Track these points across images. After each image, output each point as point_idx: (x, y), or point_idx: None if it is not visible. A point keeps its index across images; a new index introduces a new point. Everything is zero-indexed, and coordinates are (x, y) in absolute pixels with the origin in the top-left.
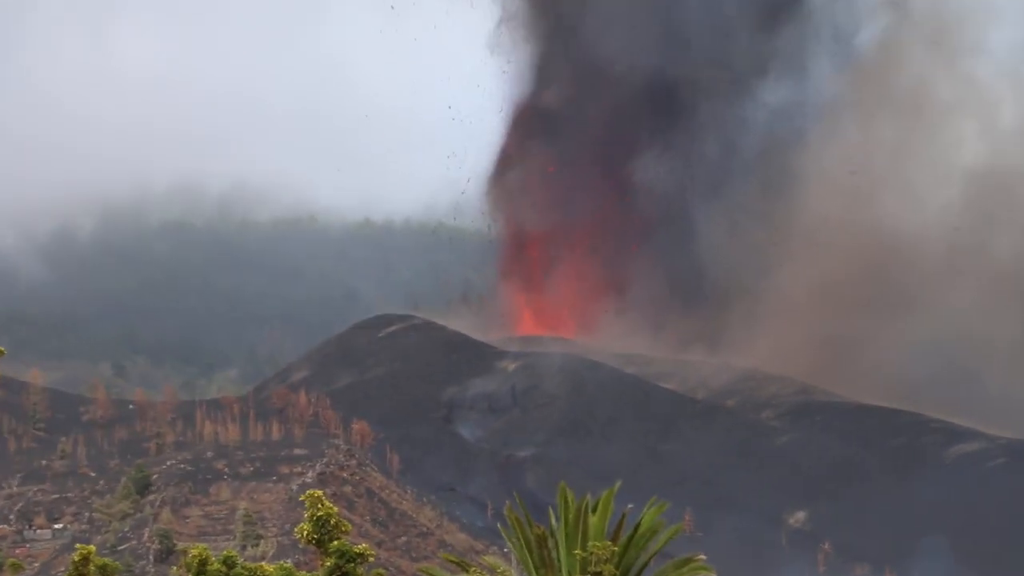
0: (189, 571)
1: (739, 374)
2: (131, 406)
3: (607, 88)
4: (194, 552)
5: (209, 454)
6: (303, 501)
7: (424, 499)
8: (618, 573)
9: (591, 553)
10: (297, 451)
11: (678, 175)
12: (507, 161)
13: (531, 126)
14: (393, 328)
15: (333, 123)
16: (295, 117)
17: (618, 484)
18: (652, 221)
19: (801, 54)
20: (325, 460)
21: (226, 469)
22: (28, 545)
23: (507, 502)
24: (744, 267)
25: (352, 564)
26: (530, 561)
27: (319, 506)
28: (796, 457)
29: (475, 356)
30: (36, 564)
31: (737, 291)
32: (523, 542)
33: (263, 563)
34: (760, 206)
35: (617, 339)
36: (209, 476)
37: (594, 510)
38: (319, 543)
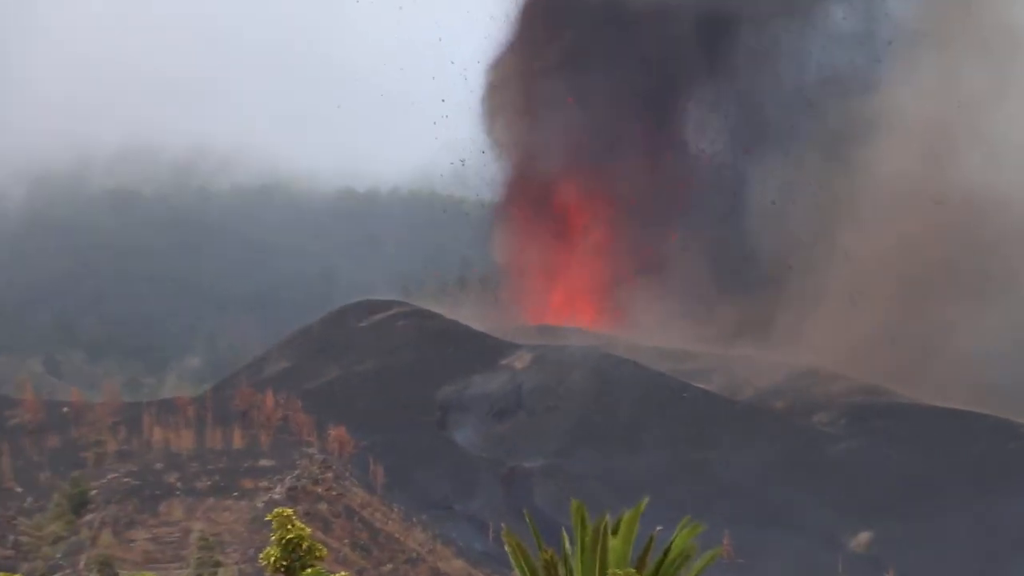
0: None
1: (790, 371)
2: (65, 409)
3: (641, 22)
4: None
5: (158, 466)
6: (270, 521)
7: (414, 519)
8: None
9: None
10: (263, 462)
11: (727, 125)
12: (516, 91)
13: (546, 58)
14: (378, 316)
15: (309, 79)
16: (265, 72)
17: (645, 501)
18: (694, 185)
19: None
20: (296, 473)
21: (178, 483)
22: None
23: (503, 525)
24: (800, 241)
25: None
26: None
27: (289, 527)
28: (857, 468)
29: (475, 349)
30: None
31: (791, 271)
32: (528, 570)
33: None
34: (820, 162)
35: (647, 330)
36: (158, 492)
37: (615, 532)
38: (289, 571)
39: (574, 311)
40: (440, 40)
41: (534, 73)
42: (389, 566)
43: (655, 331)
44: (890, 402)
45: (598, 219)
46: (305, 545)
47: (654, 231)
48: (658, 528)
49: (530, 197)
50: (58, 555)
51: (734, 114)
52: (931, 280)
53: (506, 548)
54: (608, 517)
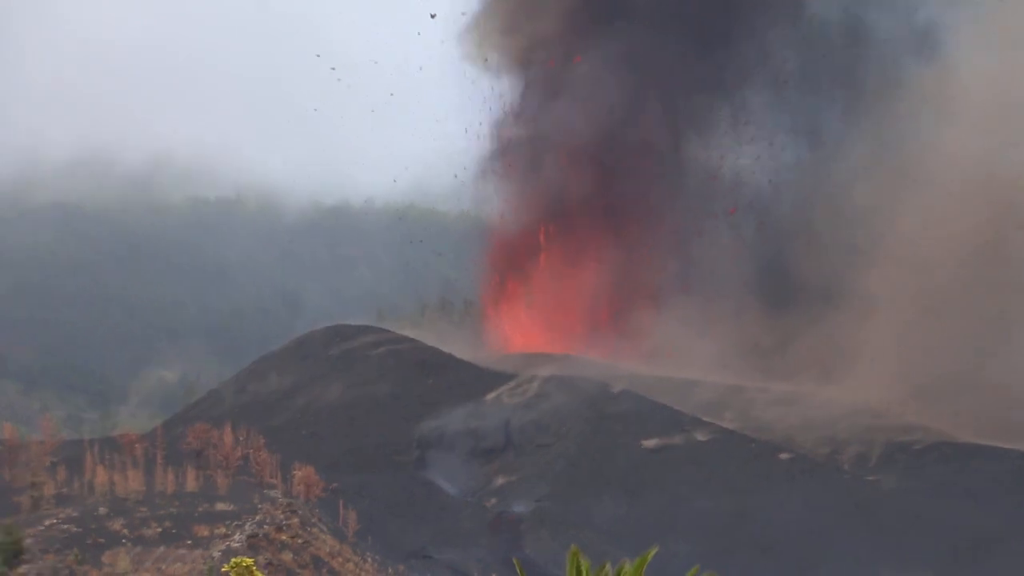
0: None
1: (828, 407)
2: None
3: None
4: None
5: (102, 511)
6: (228, 572)
7: (389, 569)
8: None
9: None
10: (220, 506)
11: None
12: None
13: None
14: (350, 343)
15: (276, 85)
16: (231, 79)
17: (653, 551)
18: (719, 182)
19: None
20: (258, 518)
21: (125, 531)
22: None
23: None
24: (843, 247)
25: None
26: None
27: None
28: (911, 521)
29: (458, 380)
30: None
31: (830, 284)
32: None
33: None
34: (867, 148)
35: (653, 358)
36: (103, 540)
37: None
38: None
39: (570, 337)
40: (420, 35)
41: (536, 66)
42: None
43: (662, 359)
44: (939, 442)
45: (601, 233)
46: None
47: (667, 245)
48: None
49: (524, 209)
50: None
51: (763, 90)
52: (999, 297)
53: None
54: (608, 568)
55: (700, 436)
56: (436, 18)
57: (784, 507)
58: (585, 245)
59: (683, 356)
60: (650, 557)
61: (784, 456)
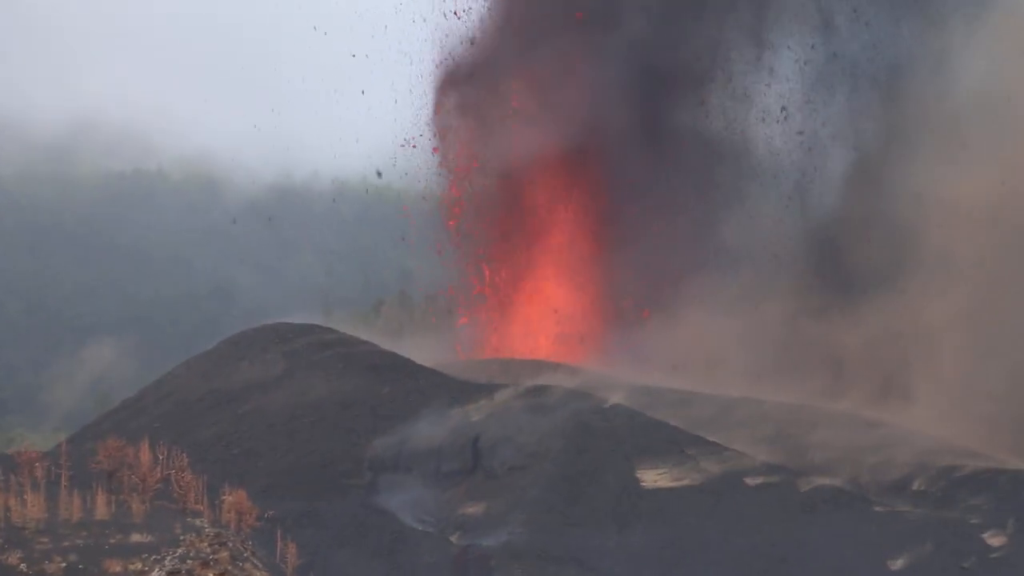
0: None
1: (851, 423)
2: None
3: None
4: None
5: None
6: None
7: None
8: None
9: None
10: (136, 537)
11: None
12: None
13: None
14: (291, 345)
15: (212, 47)
16: (161, 39)
17: None
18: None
19: None
20: (180, 551)
21: (22, 565)
22: None
23: None
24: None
25: None
26: None
27: None
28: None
29: (416, 389)
30: None
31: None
32: None
33: None
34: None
35: (651, 366)
36: None
37: None
38: None
39: (551, 341)
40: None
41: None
42: None
43: (660, 366)
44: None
45: (590, 212)
46: None
47: (670, 223)
48: None
49: (498, 187)
50: None
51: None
52: None
53: None
54: None
55: (703, 457)
56: None
57: (813, 548)
58: (580, 220)
59: (688, 366)
60: None
61: (815, 485)
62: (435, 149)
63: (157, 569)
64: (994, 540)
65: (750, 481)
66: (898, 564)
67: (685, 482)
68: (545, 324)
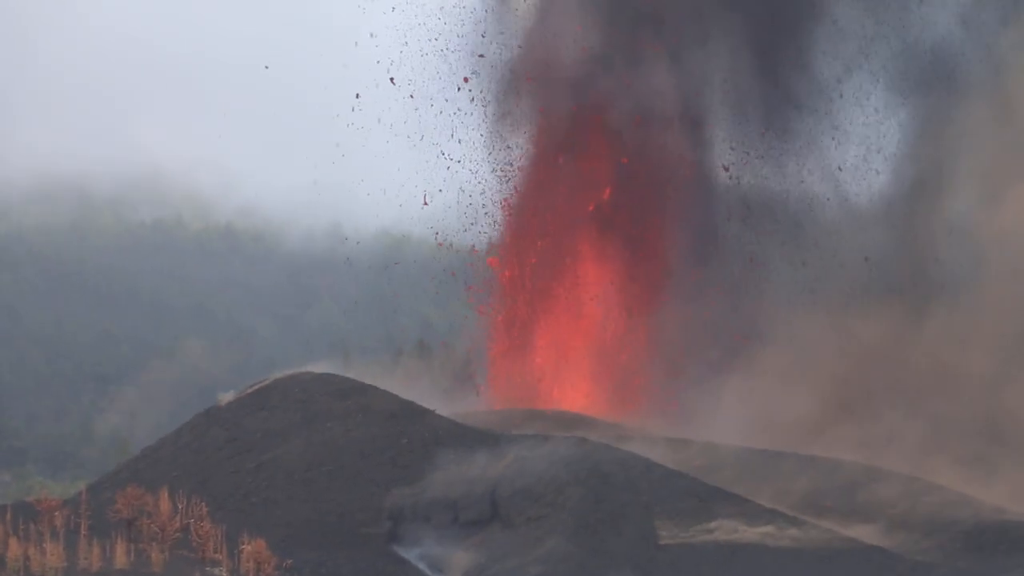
0: None
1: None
2: None
3: None
4: None
5: None
6: None
7: None
8: None
9: None
10: None
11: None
12: None
13: None
14: (307, 392)
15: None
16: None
17: None
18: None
19: None
20: None
21: None
22: None
23: None
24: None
25: None
26: None
27: None
28: None
29: (435, 440)
30: None
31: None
32: None
33: None
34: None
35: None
36: None
37: None
38: None
39: (578, 392)
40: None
41: None
42: None
43: (696, 419)
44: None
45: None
46: None
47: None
48: None
49: (522, 225)
50: None
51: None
52: None
53: None
54: None
55: (719, 507)
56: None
57: None
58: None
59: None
60: None
61: (843, 540)
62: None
63: None
64: None
65: (770, 535)
66: None
67: (704, 535)
68: (571, 374)
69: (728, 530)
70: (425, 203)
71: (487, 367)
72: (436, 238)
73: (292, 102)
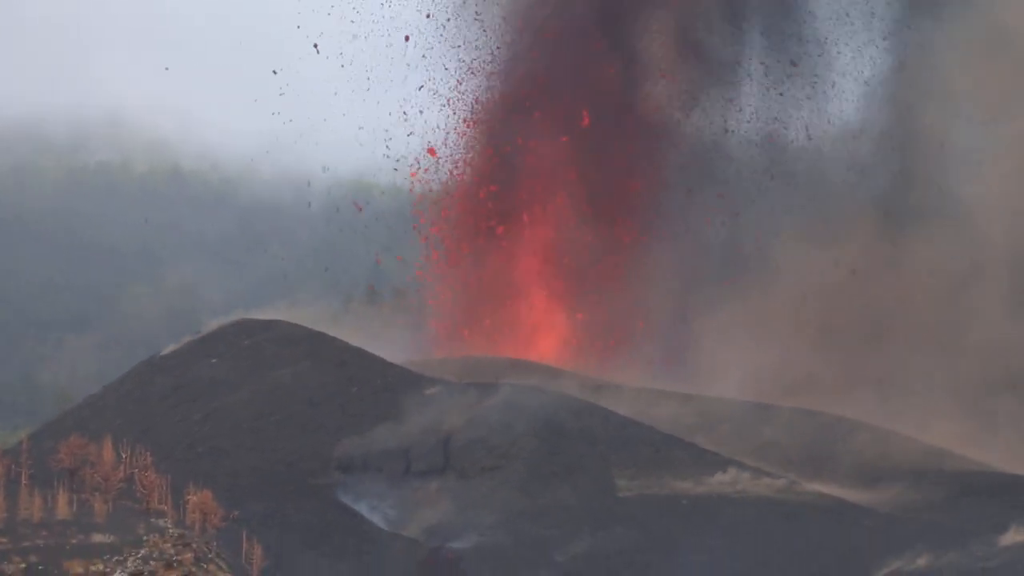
0: None
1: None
2: None
3: None
4: None
5: None
6: None
7: None
8: None
9: None
10: (98, 537)
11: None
12: None
13: None
14: (254, 339)
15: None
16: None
17: None
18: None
19: None
20: (143, 552)
21: None
22: None
23: None
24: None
25: None
26: None
27: None
28: None
29: (385, 387)
30: None
31: None
32: None
33: None
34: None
35: (634, 367)
36: None
37: None
38: None
39: (529, 338)
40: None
41: None
42: None
43: (643, 367)
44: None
45: (573, 197)
46: None
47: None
48: None
49: (473, 174)
50: None
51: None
52: None
53: None
54: None
55: (678, 456)
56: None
57: (795, 553)
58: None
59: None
60: None
61: (802, 490)
62: (431, 150)
63: (119, 570)
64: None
65: (726, 484)
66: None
67: (658, 485)
68: (523, 320)
69: (690, 481)
70: (387, 148)
71: (442, 311)
72: (397, 182)
73: (255, 49)
